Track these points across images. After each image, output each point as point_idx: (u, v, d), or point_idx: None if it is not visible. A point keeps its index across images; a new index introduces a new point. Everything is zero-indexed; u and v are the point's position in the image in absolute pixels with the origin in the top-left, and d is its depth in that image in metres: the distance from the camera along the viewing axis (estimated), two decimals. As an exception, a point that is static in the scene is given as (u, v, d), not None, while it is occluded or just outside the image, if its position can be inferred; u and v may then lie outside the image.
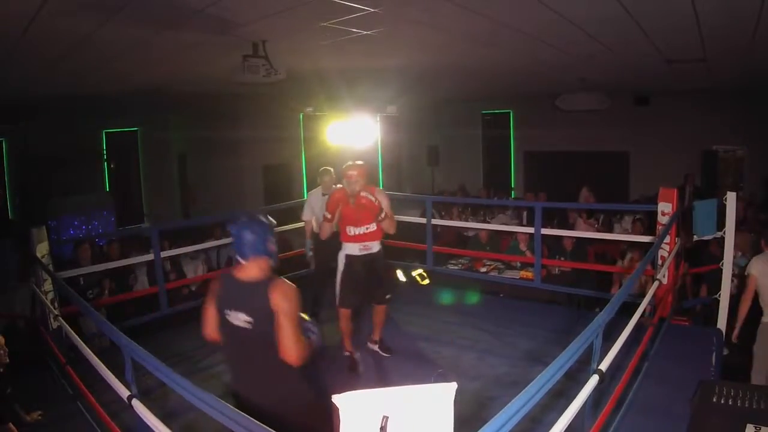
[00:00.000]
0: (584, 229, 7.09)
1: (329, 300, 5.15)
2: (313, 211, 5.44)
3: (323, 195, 5.34)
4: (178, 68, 5.55)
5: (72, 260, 5.84)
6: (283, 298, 2.20)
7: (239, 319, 2.25)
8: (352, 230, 4.18)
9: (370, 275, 4.26)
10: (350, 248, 4.23)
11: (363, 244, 4.19)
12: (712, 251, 5.48)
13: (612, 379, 3.24)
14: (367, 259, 4.23)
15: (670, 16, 3.72)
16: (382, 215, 4.06)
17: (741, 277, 4.56)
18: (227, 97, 8.41)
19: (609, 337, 2.80)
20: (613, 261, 6.66)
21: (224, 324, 2.32)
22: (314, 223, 5.41)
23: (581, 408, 2.38)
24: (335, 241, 4.76)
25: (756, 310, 4.24)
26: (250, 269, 2.30)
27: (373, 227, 4.17)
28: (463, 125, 11.57)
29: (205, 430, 2.96)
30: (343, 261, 4.26)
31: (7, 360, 3.44)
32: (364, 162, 4.15)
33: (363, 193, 4.01)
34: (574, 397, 2.34)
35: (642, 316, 3.52)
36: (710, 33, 4.21)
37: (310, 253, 5.61)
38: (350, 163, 4.09)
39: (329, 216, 4.17)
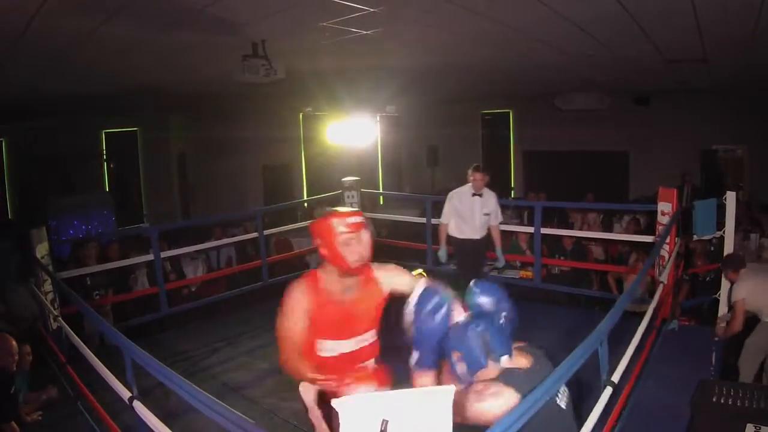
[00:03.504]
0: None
1: None
2: (459, 212, 4.95)
3: (473, 195, 4.90)
4: (177, 68, 5.55)
5: (71, 260, 5.84)
6: None
7: None
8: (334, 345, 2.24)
9: None
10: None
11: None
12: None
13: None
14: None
15: (669, 15, 3.72)
16: None
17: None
18: (227, 97, 8.40)
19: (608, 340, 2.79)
20: (616, 260, 6.64)
21: None
22: (452, 225, 5.00)
23: (597, 423, 2.33)
24: (483, 242, 4.55)
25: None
26: None
27: (374, 336, 2.35)
28: (463, 125, 11.55)
29: (205, 431, 2.96)
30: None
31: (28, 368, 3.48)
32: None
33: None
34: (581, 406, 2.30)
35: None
36: (710, 33, 4.20)
37: (446, 258, 5.14)
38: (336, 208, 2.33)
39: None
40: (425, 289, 1.86)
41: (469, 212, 4.94)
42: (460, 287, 2.07)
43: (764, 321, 3.98)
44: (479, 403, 1.77)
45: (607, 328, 2.51)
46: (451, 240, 5.07)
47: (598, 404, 2.37)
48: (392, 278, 2.30)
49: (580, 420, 2.20)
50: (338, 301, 2.20)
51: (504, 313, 1.92)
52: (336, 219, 2.16)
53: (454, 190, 5.09)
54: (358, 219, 2.18)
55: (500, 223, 5.20)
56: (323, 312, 2.17)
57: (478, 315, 1.91)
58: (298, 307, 2.14)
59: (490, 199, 5.02)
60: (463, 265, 5.07)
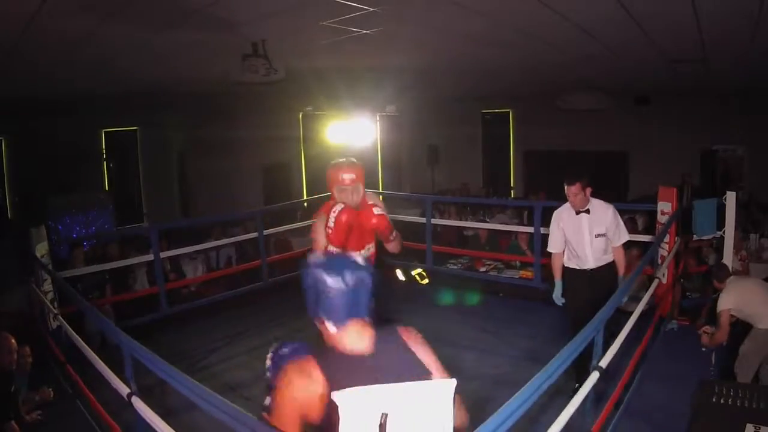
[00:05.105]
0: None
1: None
2: (565, 235, 3.86)
3: (578, 213, 3.81)
4: (177, 68, 5.55)
5: (69, 261, 5.82)
6: None
7: None
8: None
9: None
10: None
11: None
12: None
13: (613, 378, 3.24)
14: None
15: (670, 16, 3.72)
16: (394, 233, 3.10)
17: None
18: (226, 97, 8.41)
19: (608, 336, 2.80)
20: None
21: None
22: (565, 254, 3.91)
23: (582, 406, 2.39)
24: (602, 274, 3.60)
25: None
26: None
27: (372, 248, 3.21)
28: (463, 125, 11.55)
29: (204, 427, 2.96)
30: None
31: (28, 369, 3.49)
32: (359, 160, 3.14)
33: (371, 202, 3.07)
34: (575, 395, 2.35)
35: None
36: (710, 33, 4.21)
37: (562, 300, 3.96)
38: (342, 160, 3.09)
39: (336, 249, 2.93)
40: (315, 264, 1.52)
41: (576, 235, 3.81)
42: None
43: (757, 328, 3.90)
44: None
45: (604, 317, 2.61)
46: (564, 272, 3.92)
47: (585, 385, 2.41)
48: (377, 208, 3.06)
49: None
50: (356, 221, 2.92)
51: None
52: (335, 171, 3.01)
53: (557, 209, 3.99)
54: (352, 176, 2.99)
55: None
56: (355, 228, 2.94)
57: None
58: (346, 226, 2.87)
59: (603, 214, 3.82)
60: (572, 304, 3.85)
